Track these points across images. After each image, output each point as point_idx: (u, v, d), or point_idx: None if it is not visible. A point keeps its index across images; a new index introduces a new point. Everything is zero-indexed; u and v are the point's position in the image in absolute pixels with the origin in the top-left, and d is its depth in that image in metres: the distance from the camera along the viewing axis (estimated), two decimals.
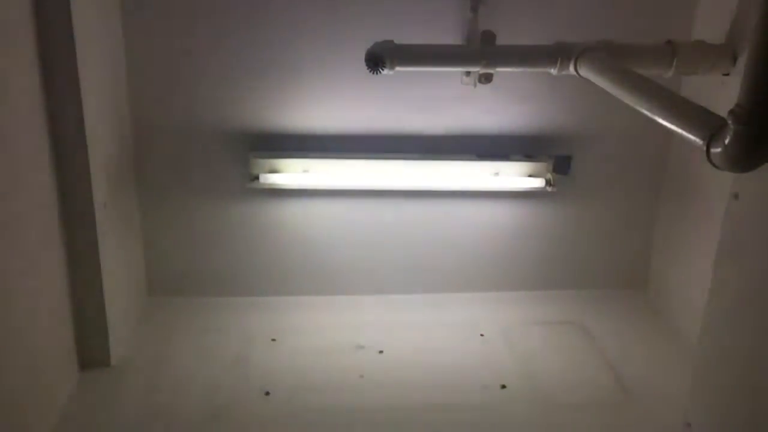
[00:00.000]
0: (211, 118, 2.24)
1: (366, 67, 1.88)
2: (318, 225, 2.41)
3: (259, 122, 2.25)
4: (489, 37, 2.09)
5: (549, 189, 2.30)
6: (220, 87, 2.20)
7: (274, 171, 2.23)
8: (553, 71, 1.91)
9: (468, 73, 2.18)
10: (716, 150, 1.15)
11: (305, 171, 2.24)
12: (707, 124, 1.20)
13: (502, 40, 2.09)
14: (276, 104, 2.23)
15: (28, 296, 1.66)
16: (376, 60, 1.87)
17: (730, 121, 1.10)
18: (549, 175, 2.29)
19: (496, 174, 2.28)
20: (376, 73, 1.89)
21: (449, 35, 2.15)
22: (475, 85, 2.17)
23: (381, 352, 2.19)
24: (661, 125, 1.37)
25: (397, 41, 1.91)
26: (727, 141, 1.12)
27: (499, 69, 2.00)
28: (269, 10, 2.11)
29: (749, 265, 1.39)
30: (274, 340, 2.23)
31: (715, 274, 1.50)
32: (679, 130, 1.28)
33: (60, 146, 1.78)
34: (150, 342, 2.19)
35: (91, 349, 2.00)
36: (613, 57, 1.79)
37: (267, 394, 1.96)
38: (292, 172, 2.24)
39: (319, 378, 2.04)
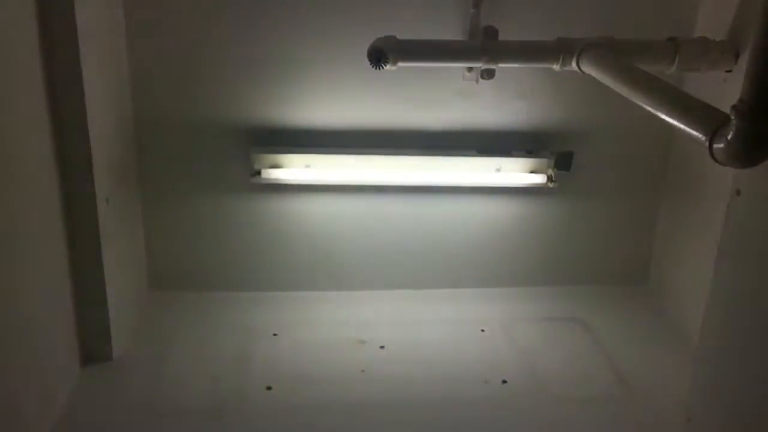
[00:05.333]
0: (212, 114, 2.24)
1: (368, 63, 1.88)
2: (319, 220, 2.41)
3: (261, 117, 2.25)
4: (491, 32, 2.09)
5: (550, 185, 2.31)
6: (222, 82, 2.20)
7: (275, 166, 2.23)
8: (556, 67, 1.91)
9: (470, 69, 2.18)
10: (719, 146, 1.15)
11: (307, 166, 2.24)
12: (710, 119, 1.20)
13: (504, 35, 2.09)
14: (278, 99, 2.23)
15: (29, 291, 1.66)
16: (378, 55, 1.87)
17: (732, 117, 1.11)
18: (551, 172, 2.29)
19: (498, 170, 2.28)
20: (379, 69, 1.89)
21: (451, 31, 2.15)
22: (477, 81, 2.18)
23: (382, 347, 2.19)
24: (663, 121, 1.37)
25: (399, 37, 1.91)
26: (729, 137, 1.12)
27: (501, 65, 2.00)
28: (271, 5, 2.11)
29: (751, 261, 1.39)
30: (275, 334, 2.23)
31: (716, 270, 1.50)
32: (682, 126, 1.28)
33: (62, 141, 1.78)
34: (152, 336, 2.19)
35: (92, 343, 2.00)
36: (616, 53, 1.79)
37: (269, 388, 1.97)
38: (293, 168, 2.24)
39: (320, 373, 2.05)
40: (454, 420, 1.89)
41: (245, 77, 2.19)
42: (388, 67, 1.89)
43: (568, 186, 2.37)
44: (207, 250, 2.42)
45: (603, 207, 2.49)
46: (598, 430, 1.88)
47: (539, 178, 2.31)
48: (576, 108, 2.33)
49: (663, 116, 1.37)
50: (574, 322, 2.37)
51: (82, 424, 1.80)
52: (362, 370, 2.07)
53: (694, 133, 1.23)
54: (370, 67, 1.89)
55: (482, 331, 2.30)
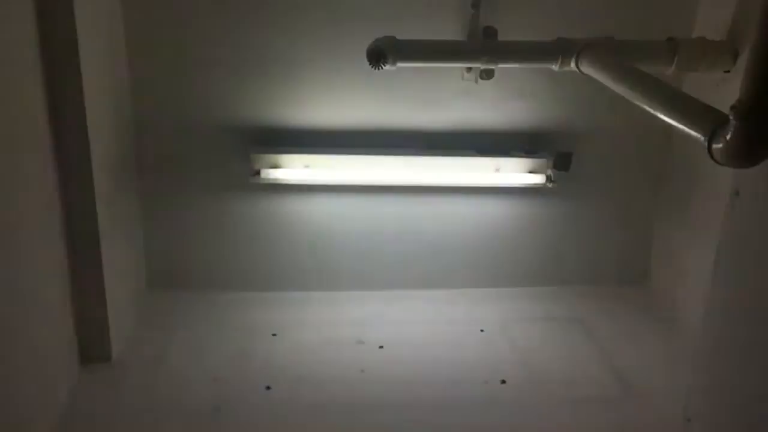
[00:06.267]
0: (212, 113, 2.24)
1: (368, 63, 1.89)
2: (319, 220, 2.41)
3: (261, 117, 2.25)
4: (490, 33, 2.10)
5: (549, 185, 2.31)
6: (222, 82, 2.20)
7: (275, 166, 2.23)
8: (555, 67, 1.91)
9: (469, 69, 2.18)
10: (718, 146, 1.16)
11: (306, 166, 2.24)
12: (709, 119, 1.20)
13: (503, 36, 2.09)
14: (277, 99, 2.23)
15: (29, 291, 1.66)
16: (377, 56, 1.87)
17: (731, 117, 1.11)
18: (549, 172, 2.30)
19: (497, 170, 2.29)
20: (378, 69, 1.89)
21: (451, 31, 2.15)
22: (476, 81, 2.18)
23: (381, 347, 2.19)
24: (661, 121, 1.38)
25: (398, 37, 1.91)
26: (728, 137, 1.12)
27: (500, 65, 2.00)
28: (271, 5, 2.11)
29: (750, 261, 1.39)
30: (274, 334, 2.23)
31: (715, 270, 1.50)
32: (681, 126, 1.28)
33: (62, 141, 1.78)
34: (151, 336, 2.19)
35: (91, 343, 2.00)
36: (615, 54, 1.79)
37: (268, 388, 1.97)
38: (293, 168, 2.24)
39: (319, 373, 2.05)
40: (453, 420, 1.89)
41: (245, 77, 2.20)
42: (387, 67, 1.89)
43: (567, 186, 2.37)
44: (206, 250, 2.42)
45: (602, 207, 2.49)
46: (598, 430, 1.88)
47: (538, 179, 2.31)
48: (575, 108, 2.33)
49: (662, 116, 1.37)
50: (573, 322, 2.37)
51: (81, 424, 1.80)
52: (361, 370, 2.08)
53: (693, 133, 1.24)
54: (370, 67, 1.89)
55: (481, 331, 2.30)
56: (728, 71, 1.95)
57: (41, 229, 1.75)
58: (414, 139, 2.31)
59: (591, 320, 2.38)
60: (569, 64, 1.88)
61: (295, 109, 2.25)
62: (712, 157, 1.18)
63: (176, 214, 2.36)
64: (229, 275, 2.45)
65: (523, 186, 2.36)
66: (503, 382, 2.04)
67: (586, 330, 2.33)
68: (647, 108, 1.43)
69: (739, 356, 1.43)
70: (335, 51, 2.17)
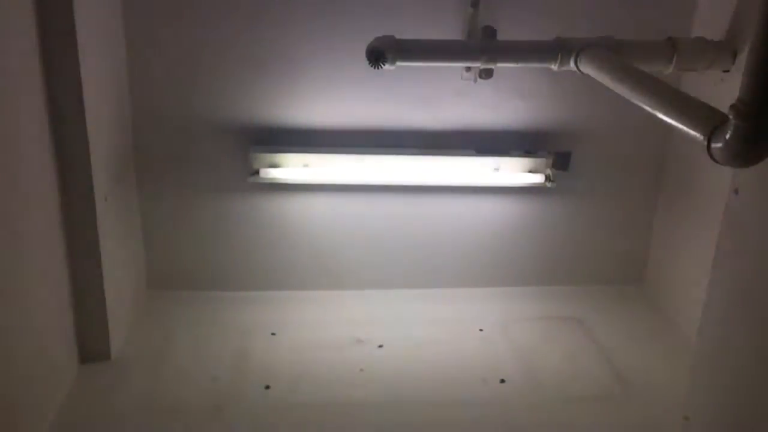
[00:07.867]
0: (211, 113, 2.24)
1: (367, 62, 1.89)
2: (318, 219, 2.41)
3: (260, 117, 2.25)
4: (490, 32, 2.10)
5: (548, 185, 2.31)
6: (221, 81, 2.20)
7: (274, 165, 2.23)
8: (554, 67, 1.91)
9: (468, 69, 2.19)
10: (717, 145, 1.16)
11: (305, 165, 2.24)
12: (708, 119, 1.20)
13: (502, 35, 2.10)
14: (277, 99, 2.23)
15: (28, 290, 1.66)
16: (377, 55, 1.87)
17: (731, 117, 1.11)
18: (549, 171, 2.30)
19: (496, 169, 2.29)
20: (377, 68, 1.89)
21: (450, 30, 2.15)
22: (475, 81, 2.18)
23: (381, 346, 2.19)
24: (660, 121, 1.38)
25: (398, 36, 1.91)
26: (728, 136, 1.12)
27: (499, 64, 2.00)
28: (270, 4, 2.11)
29: (748, 261, 1.39)
30: (273, 334, 2.23)
31: (714, 270, 1.50)
32: (680, 126, 1.28)
33: (61, 140, 1.78)
34: (150, 336, 2.19)
35: (91, 342, 2.00)
36: (614, 53, 1.79)
37: (267, 387, 1.97)
38: (292, 167, 2.24)
39: (319, 372, 2.05)
40: (452, 419, 1.89)
41: (244, 77, 2.20)
42: (386, 66, 1.89)
43: (566, 186, 2.38)
44: (205, 250, 2.42)
45: (601, 207, 2.49)
46: (596, 428, 1.89)
47: (537, 178, 2.31)
48: (574, 108, 2.33)
49: (661, 116, 1.37)
50: (572, 321, 2.38)
51: (80, 423, 1.80)
52: (361, 369, 2.08)
53: (692, 132, 1.23)
54: (369, 66, 1.89)
55: (480, 330, 2.31)
56: (727, 71, 1.95)
57: (41, 229, 1.75)
58: (413, 138, 2.31)
59: (590, 320, 2.38)
60: (568, 63, 1.88)
61: (294, 108, 2.25)
62: (711, 156, 1.18)
63: (175, 213, 2.36)
64: (229, 275, 2.45)
65: (522, 185, 2.36)
66: (502, 381, 2.04)
67: (585, 330, 2.33)
68: (646, 107, 1.43)
69: (738, 355, 1.43)
70: (335, 50, 2.17)
